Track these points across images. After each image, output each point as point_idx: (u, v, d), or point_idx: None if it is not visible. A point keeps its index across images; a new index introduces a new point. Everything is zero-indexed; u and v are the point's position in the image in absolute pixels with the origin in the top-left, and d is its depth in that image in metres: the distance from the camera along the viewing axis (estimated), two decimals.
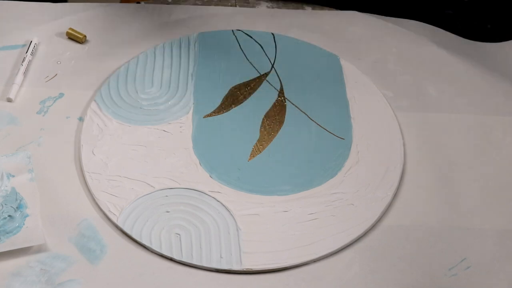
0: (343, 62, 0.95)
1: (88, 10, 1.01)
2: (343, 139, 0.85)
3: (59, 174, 0.79)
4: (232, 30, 0.99)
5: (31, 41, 0.93)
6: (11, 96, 0.86)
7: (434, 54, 0.98)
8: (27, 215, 0.73)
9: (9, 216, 0.73)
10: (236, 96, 0.89)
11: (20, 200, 0.75)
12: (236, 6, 1.05)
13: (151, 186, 0.78)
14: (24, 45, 0.94)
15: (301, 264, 0.73)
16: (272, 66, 0.94)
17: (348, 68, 0.94)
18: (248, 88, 0.90)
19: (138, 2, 1.04)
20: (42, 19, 0.98)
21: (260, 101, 0.89)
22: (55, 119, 0.85)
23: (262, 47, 0.97)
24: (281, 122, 0.86)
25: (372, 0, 1.04)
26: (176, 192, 0.78)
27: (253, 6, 1.06)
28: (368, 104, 0.89)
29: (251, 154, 0.83)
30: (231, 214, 0.76)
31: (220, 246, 0.73)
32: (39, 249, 0.71)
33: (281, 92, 0.90)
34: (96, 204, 0.76)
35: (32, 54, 0.92)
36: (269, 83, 0.89)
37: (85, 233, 0.73)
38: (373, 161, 0.83)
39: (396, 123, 0.87)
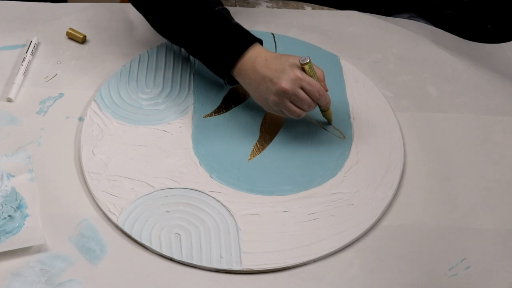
0: (343, 62, 0.95)
1: (88, 10, 1.01)
2: (343, 139, 0.85)
3: (59, 174, 0.79)
4: None
5: (31, 41, 0.93)
6: (11, 96, 0.86)
7: (434, 54, 0.98)
8: (27, 215, 0.73)
9: (9, 216, 0.73)
10: (236, 96, 0.89)
11: (20, 200, 0.75)
12: (236, 6, 1.05)
13: (151, 186, 0.78)
14: (24, 45, 0.94)
15: (301, 264, 0.73)
16: None
17: (348, 68, 0.94)
18: None
19: None
20: (42, 19, 0.98)
21: None
22: (55, 119, 0.85)
23: None
24: (281, 122, 0.86)
25: (372, 0, 1.04)
26: (176, 192, 0.78)
27: (253, 6, 1.06)
28: (368, 104, 0.89)
29: (251, 154, 0.83)
30: (231, 214, 0.76)
31: (220, 246, 0.73)
32: (39, 249, 0.71)
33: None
34: (96, 204, 0.76)
35: (32, 54, 0.92)
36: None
37: (85, 233, 0.73)
38: (373, 161, 0.83)
39: (396, 123, 0.87)
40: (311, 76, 0.78)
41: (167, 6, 0.83)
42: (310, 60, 0.77)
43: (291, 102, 0.78)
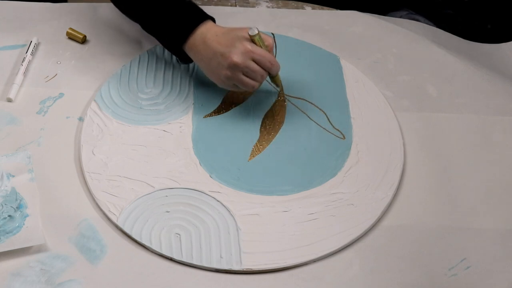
0: (343, 62, 0.95)
1: (88, 10, 1.01)
2: (343, 139, 0.85)
3: (59, 174, 0.79)
4: None
5: (31, 41, 0.93)
6: (11, 96, 0.86)
7: (434, 54, 0.98)
8: (27, 215, 0.73)
9: (9, 216, 0.73)
10: (236, 96, 0.89)
11: (20, 200, 0.75)
12: (236, 6, 1.05)
13: (151, 186, 0.78)
14: (24, 45, 0.94)
15: (301, 264, 0.73)
16: None
17: (348, 68, 0.94)
18: None
19: None
20: (42, 19, 0.98)
21: (260, 101, 0.89)
22: (55, 119, 0.85)
23: None
24: (281, 122, 0.86)
25: (372, 0, 1.04)
26: (176, 192, 0.78)
27: (253, 6, 1.06)
28: (368, 104, 0.89)
29: (251, 154, 0.83)
30: (231, 214, 0.76)
31: (220, 246, 0.73)
32: (39, 249, 0.71)
33: (281, 92, 0.90)
34: (96, 204, 0.76)
35: (32, 54, 0.92)
36: (269, 83, 0.88)
37: (85, 233, 0.73)
38: (373, 161, 0.83)
39: (396, 123, 0.87)
40: (260, 47, 0.79)
41: None
42: (258, 32, 0.79)
43: (244, 74, 0.79)
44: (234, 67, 0.78)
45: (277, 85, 0.88)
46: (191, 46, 0.82)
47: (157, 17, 0.83)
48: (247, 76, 0.80)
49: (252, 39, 0.79)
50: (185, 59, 0.86)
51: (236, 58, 0.78)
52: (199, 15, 0.82)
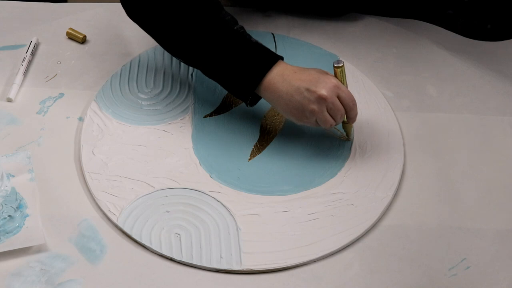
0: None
1: (88, 10, 1.01)
2: (343, 139, 0.85)
3: (59, 174, 0.79)
4: None
5: (31, 41, 0.93)
6: (11, 96, 0.86)
7: (434, 54, 0.98)
8: (27, 215, 0.73)
9: (9, 216, 0.73)
10: None
11: (20, 200, 0.75)
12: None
13: (151, 186, 0.78)
14: (24, 45, 0.94)
15: (301, 264, 0.73)
16: None
17: (348, 68, 0.94)
18: None
19: None
20: (42, 19, 0.99)
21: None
22: (55, 119, 0.85)
23: None
24: (281, 122, 0.86)
25: (372, 0, 1.04)
26: (176, 192, 0.78)
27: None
28: (368, 104, 0.89)
29: (251, 154, 0.83)
30: (231, 214, 0.76)
31: (220, 246, 0.73)
32: (39, 249, 0.72)
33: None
34: (96, 204, 0.76)
35: (32, 54, 0.92)
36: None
37: (85, 233, 0.73)
38: (373, 161, 0.83)
39: (396, 123, 0.87)
40: (341, 81, 0.78)
41: (181, 27, 0.80)
42: (343, 65, 0.78)
43: (327, 110, 0.77)
44: (321, 101, 0.75)
45: (347, 134, 0.84)
46: (268, 84, 0.78)
47: (225, 61, 0.79)
48: (329, 113, 0.77)
49: (335, 71, 0.79)
50: (253, 102, 0.82)
51: (325, 91, 0.75)
52: (271, 55, 0.80)
